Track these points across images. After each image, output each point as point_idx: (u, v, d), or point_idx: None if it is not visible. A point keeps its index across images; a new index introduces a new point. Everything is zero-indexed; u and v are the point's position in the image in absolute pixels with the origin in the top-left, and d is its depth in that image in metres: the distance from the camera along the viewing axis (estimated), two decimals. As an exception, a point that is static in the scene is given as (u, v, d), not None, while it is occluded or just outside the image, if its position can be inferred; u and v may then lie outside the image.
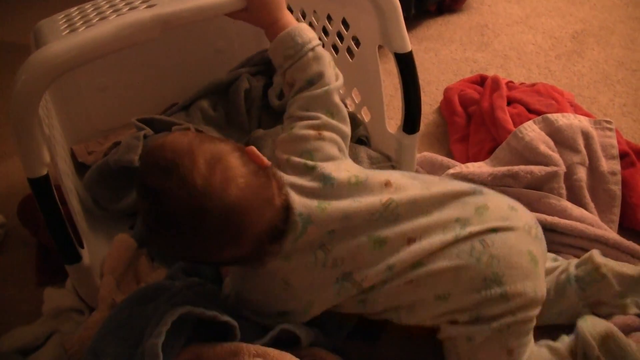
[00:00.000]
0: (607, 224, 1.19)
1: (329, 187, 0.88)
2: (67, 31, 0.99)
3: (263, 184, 0.82)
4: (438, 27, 2.02)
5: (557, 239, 1.14)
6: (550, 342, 0.95)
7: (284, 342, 0.89)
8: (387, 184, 0.89)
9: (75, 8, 1.15)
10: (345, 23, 1.29)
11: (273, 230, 0.84)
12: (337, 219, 0.86)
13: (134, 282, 1.12)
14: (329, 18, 1.36)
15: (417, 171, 1.32)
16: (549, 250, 1.03)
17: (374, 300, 0.88)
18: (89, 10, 1.08)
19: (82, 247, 1.05)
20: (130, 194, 1.29)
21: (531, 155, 1.26)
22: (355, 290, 0.86)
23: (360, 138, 1.34)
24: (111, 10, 1.03)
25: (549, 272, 1.02)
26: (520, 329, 0.86)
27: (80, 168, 1.42)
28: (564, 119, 1.32)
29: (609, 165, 1.27)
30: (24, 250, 1.32)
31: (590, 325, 0.94)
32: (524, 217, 0.90)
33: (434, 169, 1.34)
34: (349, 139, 0.98)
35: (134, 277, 1.13)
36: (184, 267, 1.06)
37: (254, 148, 0.86)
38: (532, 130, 1.30)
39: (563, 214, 1.17)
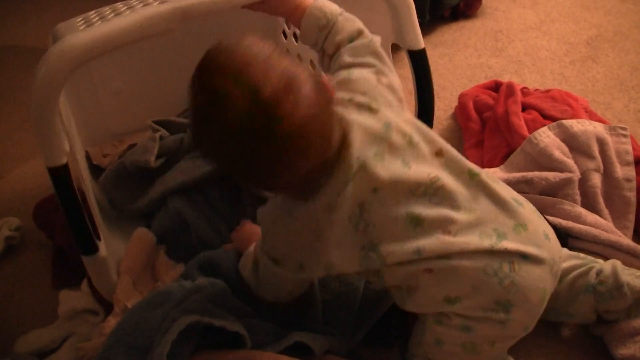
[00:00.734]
0: (621, 230, 1.19)
1: (388, 136, 0.85)
2: (84, 27, 1.01)
3: (328, 117, 0.80)
4: (452, 33, 2.02)
5: (571, 243, 1.14)
6: None
7: (297, 349, 0.89)
8: (439, 154, 0.87)
9: (94, 11, 1.17)
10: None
11: (326, 166, 0.82)
12: (385, 177, 0.83)
13: (151, 280, 1.13)
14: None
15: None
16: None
17: (390, 276, 0.87)
18: (107, 12, 1.10)
19: (99, 239, 1.05)
20: (146, 194, 1.30)
21: (546, 161, 1.26)
22: (378, 263, 0.84)
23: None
24: (130, 12, 1.04)
25: (566, 272, 0.99)
26: (496, 344, 0.87)
27: (95, 171, 1.43)
28: (579, 125, 1.32)
29: (624, 172, 1.27)
30: (40, 253, 1.33)
31: None
32: (553, 250, 0.88)
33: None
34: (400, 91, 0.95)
35: (152, 276, 1.14)
36: (200, 263, 1.07)
37: (327, 77, 0.85)
38: (546, 137, 1.30)
39: (577, 220, 1.17)
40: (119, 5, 1.23)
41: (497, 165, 1.34)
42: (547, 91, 1.53)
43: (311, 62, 1.49)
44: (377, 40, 0.97)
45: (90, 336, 1.08)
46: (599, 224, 1.16)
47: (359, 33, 0.97)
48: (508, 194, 0.89)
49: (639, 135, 1.49)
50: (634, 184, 1.25)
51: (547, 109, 1.41)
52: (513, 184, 1.21)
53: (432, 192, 0.84)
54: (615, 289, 0.96)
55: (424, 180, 0.84)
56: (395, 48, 1.22)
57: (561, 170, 1.23)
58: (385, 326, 1.02)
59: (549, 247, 0.87)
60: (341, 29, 0.97)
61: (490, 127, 1.45)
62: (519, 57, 1.87)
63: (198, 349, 0.86)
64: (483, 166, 1.35)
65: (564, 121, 1.33)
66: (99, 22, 1.03)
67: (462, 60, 1.87)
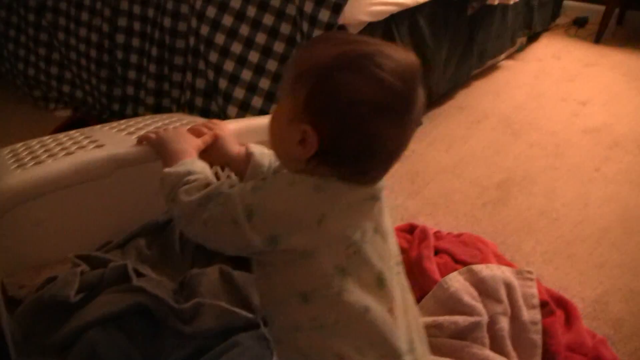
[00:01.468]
0: (529, 372, 1.23)
1: None
2: (15, 166, 1.02)
3: None
4: (372, 173, 2.08)
5: (479, 388, 1.16)
6: None
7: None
8: None
9: (21, 144, 1.18)
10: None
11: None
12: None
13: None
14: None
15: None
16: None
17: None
18: (35, 147, 1.12)
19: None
20: (63, 329, 1.27)
21: (456, 306, 1.30)
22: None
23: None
24: (59, 149, 1.06)
25: None
26: None
27: (10, 302, 1.39)
28: (488, 270, 1.38)
29: (530, 315, 1.32)
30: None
31: None
32: None
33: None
34: None
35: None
36: None
37: None
38: (456, 281, 1.35)
39: (486, 363, 1.21)
40: (46, 139, 1.25)
41: (410, 308, 1.37)
42: (459, 235, 1.60)
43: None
44: None
45: None
46: (507, 367, 1.20)
47: None
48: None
49: (545, 276, 1.56)
50: (539, 326, 1.30)
51: (458, 254, 1.47)
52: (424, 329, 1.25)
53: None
54: None
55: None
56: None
57: (470, 314, 1.28)
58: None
59: None
60: None
61: (404, 271, 1.49)
62: (434, 199, 1.95)
63: None
64: (397, 308, 1.39)
65: (473, 266, 1.39)
66: (31, 161, 1.04)
67: (381, 201, 1.92)
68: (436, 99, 2.60)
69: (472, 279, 1.37)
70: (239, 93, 1.86)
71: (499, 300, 1.33)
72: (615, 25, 3.93)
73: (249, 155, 1.13)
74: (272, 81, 1.87)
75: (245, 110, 1.88)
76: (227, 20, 1.85)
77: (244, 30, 1.84)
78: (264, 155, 1.13)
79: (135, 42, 2.15)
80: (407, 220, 1.77)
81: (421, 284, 1.41)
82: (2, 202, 0.89)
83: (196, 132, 1.14)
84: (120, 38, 2.16)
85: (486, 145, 2.32)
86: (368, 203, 0.88)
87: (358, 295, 0.84)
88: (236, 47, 1.85)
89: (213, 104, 1.96)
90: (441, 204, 1.93)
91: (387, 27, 2.00)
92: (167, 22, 2.00)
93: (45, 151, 1.09)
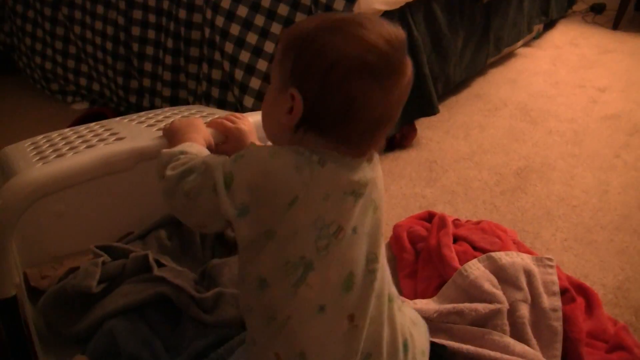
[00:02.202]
0: (549, 359, 1.22)
1: None
2: (37, 158, 1.03)
3: None
4: (389, 163, 2.09)
5: (501, 374, 1.16)
6: None
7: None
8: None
9: (42, 136, 1.19)
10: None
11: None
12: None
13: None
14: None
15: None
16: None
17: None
18: (56, 139, 1.12)
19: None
20: (85, 319, 1.28)
21: (476, 293, 1.30)
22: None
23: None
24: (80, 141, 1.07)
25: None
26: None
27: (32, 292, 1.41)
28: (507, 257, 1.38)
29: (550, 302, 1.32)
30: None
31: None
32: None
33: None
34: None
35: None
36: None
37: None
38: (476, 269, 1.35)
39: (506, 350, 1.20)
40: (67, 132, 1.25)
41: (430, 296, 1.37)
42: (478, 223, 1.60)
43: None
44: None
45: None
46: (527, 354, 1.19)
47: None
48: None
49: (565, 263, 1.56)
50: (560, 313, 1.30)
51: (478, 241, 1.47)
52: (444, 315, 1.25)
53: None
54: None
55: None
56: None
57: (490, 302, 1.28)
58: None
59: None
60: None
61: (423, 258, 1.50)
62: (452, 187, 1.95)
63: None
64: (417, 296, 1.40)
65: (493, 254, 1.39)
66: (53, 153, 1.05)
67: (397, 190, 1.93)
68: (453, 87, 2.58)
69: (492, 267, 1.36)
70: (255, 83, 1.86)
71: (519, 288, 1.32)
72: (633, 11, 3.89)
73: None
74: (288, 71, 1.86)
75: (261, 100, 1.87)
76: (242, 11, 1.85)
77: (259, 20, 1.84)
78: None
79: (151, 34, 2.15)
80: (425, 208, 1.77)
81: (441, 271, 1.42)
82: (25, 195, 0.89)
83: (218, 125, 1.15)
84: (135, 30, 2.17)
85: (504, 133, 2.31)
86: (349, 199, 0.84)
87: (317, 293, 0.82)
88: (251, 38, 1.85)
89: (229, 95, 1.96)
90: (459, 191, 1.92)
91: (403, 15, 1.99)
92: (182, 13, 2.00)
93: (67, 144, 1.10)
